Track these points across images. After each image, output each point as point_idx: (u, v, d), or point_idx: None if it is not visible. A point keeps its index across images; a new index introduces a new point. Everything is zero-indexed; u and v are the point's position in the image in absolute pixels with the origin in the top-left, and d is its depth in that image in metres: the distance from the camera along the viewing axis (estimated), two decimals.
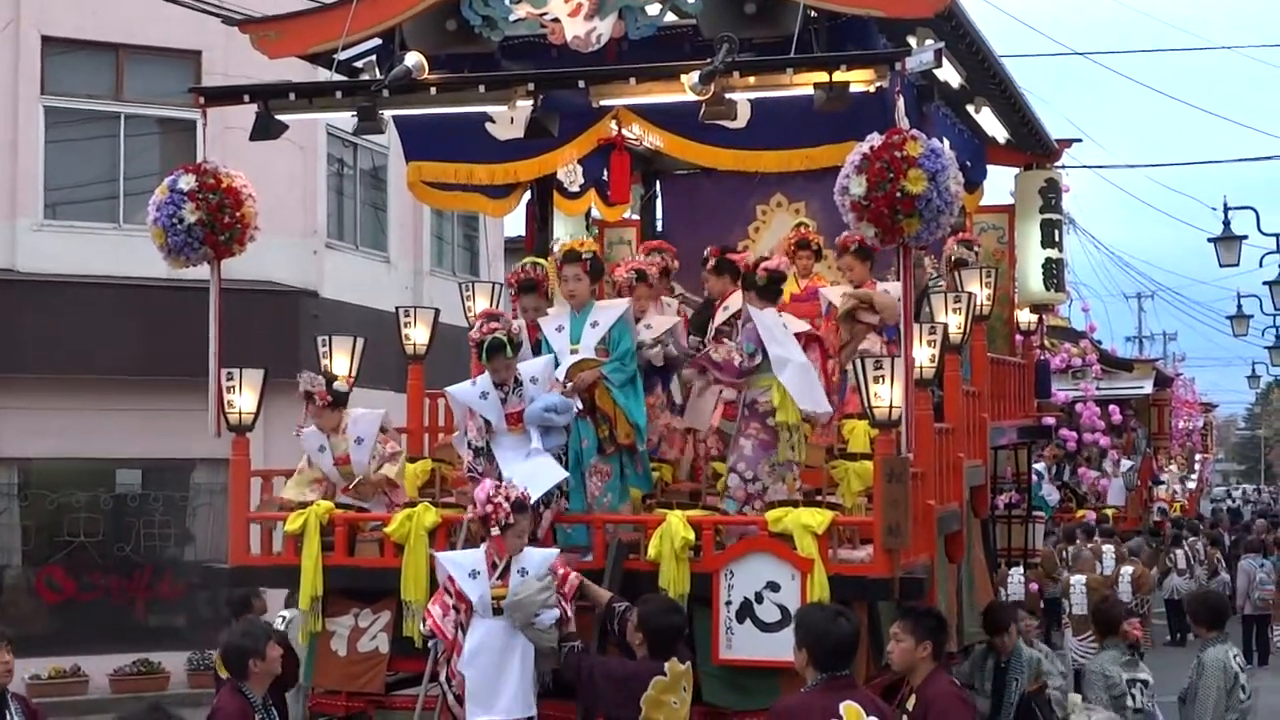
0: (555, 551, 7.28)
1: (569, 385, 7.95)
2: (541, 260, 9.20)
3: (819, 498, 7.93)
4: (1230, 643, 8.74)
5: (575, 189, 10.37)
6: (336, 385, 8.73)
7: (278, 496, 8.76)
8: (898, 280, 7.73)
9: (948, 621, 7.41)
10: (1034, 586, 14.18)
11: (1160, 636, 20.55)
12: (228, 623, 7.55)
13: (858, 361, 7.40)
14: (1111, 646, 9.33)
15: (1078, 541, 18.87)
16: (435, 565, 7.50)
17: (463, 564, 7.19)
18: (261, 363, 8.63)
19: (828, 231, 10.48)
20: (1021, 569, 13.72)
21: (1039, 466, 19.81)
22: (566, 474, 7.73)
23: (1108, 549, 18.67)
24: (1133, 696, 9.01)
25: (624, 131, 9.15)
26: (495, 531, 7.05)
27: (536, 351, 8.58)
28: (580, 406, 7.96)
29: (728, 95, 7.38)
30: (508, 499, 7.06)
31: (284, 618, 9.65)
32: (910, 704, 6.34)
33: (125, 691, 16.34)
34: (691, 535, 7.42)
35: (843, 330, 9.24)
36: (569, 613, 7.08)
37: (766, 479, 7.96)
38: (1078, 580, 16.25)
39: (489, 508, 7.05)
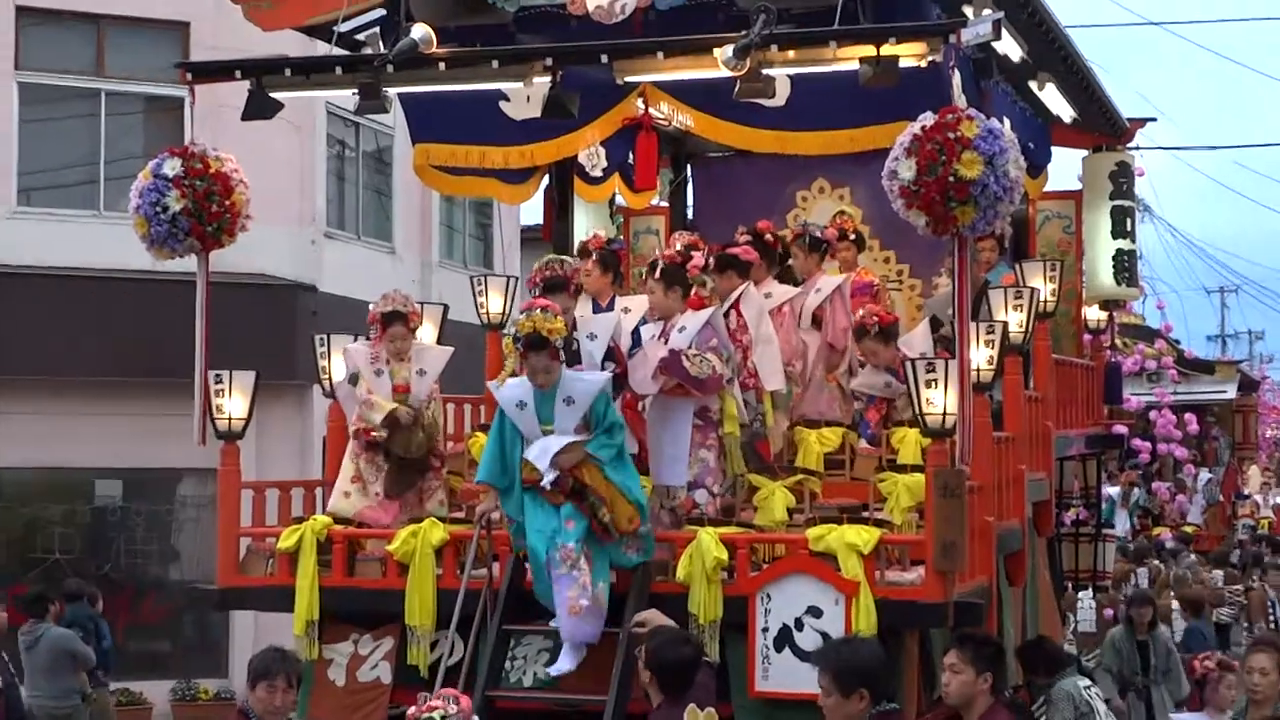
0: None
1: (554, 474, 7.48)
2: (566, 258, 9.19)
3: (865, 514, 7.94)
4: None
5: (598, 174, 10.39)
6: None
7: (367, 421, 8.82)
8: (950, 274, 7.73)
9: (1006, 651, 7.39)
10: (1108, 612, 14.09)
11: None
12: None
13: (908, 364, 7.40)
14: None
15: (1170, 561, 18.62)
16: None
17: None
18: (254, 363, 8.70)
19: (874, 219, 10.49)
20: (1091, 592, 13.68)
21: (1112, 491, 19.52)
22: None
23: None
24: None
25: (651, 111, 9.18)
26: None
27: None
28: (553, 482, 7.50)
29: (765, 71, 7.38)
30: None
31: None
32: None
33: None
34: (725, 555, 7.43)
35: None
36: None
37: (726, 491, 8.11)
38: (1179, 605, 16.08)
39: None
